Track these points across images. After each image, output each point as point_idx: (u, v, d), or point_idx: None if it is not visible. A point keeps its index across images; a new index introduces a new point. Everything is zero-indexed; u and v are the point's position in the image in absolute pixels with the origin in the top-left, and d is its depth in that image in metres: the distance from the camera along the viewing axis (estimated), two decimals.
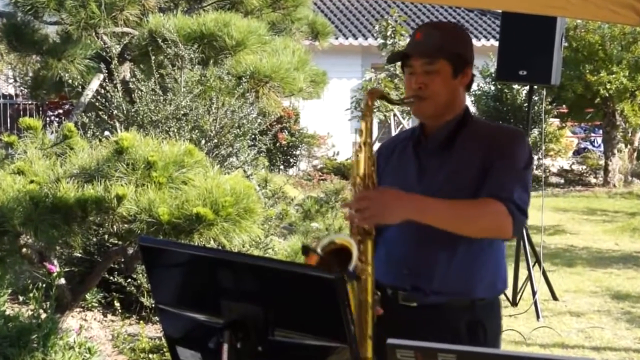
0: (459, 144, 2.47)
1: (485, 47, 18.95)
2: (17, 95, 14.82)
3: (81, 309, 5.57)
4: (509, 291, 6.72)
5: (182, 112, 5.74)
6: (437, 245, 2.40)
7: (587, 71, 14.26)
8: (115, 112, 5.78)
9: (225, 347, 1.69)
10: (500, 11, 8.31)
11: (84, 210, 3.86)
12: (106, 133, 5.78)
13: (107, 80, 6.06)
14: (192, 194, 3.85)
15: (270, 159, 14.47)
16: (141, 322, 5.35)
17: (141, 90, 5.74)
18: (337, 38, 17.71)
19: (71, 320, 5.08)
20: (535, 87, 7.76)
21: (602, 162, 16.31)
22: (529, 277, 6.47)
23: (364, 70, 17.43)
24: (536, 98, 14.25)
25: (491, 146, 2.41)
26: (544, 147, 15.04)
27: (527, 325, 6.11)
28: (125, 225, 3.95)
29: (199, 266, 1.84)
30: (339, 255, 2.22)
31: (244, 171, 6.31)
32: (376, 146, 2.65)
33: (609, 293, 7.18)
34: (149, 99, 5.70)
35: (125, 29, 6.73)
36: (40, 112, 12.78)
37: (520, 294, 6.67)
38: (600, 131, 17.20)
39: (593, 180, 16.37)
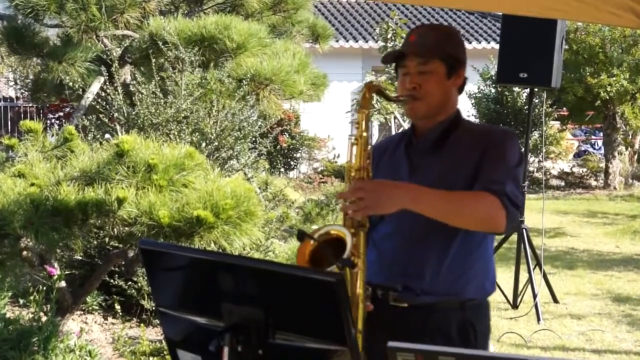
0: (451, 144, 2.49)
1: (486, 49, 18.97)
2: (17, 98, 14.85)
3: (82, 312, 5.56)
4: (510, 294, 6.73)
5: (182, 115, 5.74)
6: (428, 245, 2.43)
7: (588, 74, 14.27)
8: (115, 115, 5.78)
9: (226, 350, 1.69)
10: (500, 14, 8.32)
11: (85, 213, 3.86)
12: (107, 136, 5.78)
13: (107, 83, 6.06)
14: (193, 197, 3.85)
15: (270, 161, 14.48)
16: (142, 325, 5.35)
17: (142, 93, 5.74)
18: (337, 41, 17.74)
19: (72, 323, 5.07)
20: (536, 89, 7.76)
21: (602, 164, 16.31)
22: (530, 280, 6.46)
23: (364, 73, 17.44)
24: (536, 101, 14.26)
25: (483, 146, 2.43)
26: (544, 150, 15.05)
27: (527, 328, 6.11)
28: (126, 228, 3.95)
29: (199, 269, 1.84)
30: (334, 245, 2.22)
31: (245, 174, 6.31)
32: None
33: (609, 296, 7.17)
34: (149, 102, 5.70)
35: (126, 32, 6.73)
36: (41, 115, 12.79)
37: (520, 296, 6.67)
38: (601, 134, 17.20)
39: (594, 183, 16.38)
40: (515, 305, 6.67)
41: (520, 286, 6.67)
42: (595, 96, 14.34)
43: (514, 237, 6.71)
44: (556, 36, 6.29)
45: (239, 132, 6.01)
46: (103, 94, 5.98)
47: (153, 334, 5.28)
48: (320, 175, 16.46)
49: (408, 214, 2.29)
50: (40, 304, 4.30)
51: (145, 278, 5.10)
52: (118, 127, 5.62)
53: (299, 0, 7.92)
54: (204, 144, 5.75)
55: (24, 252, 4.14)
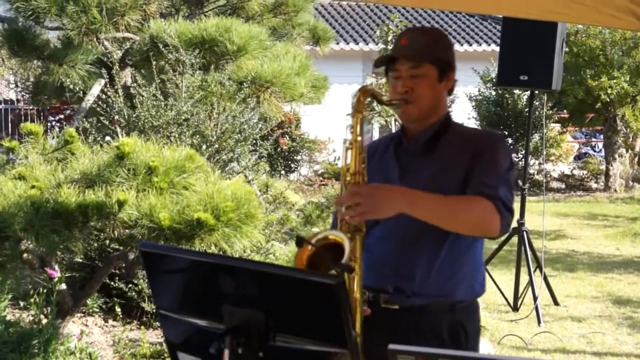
0: (441, 147, 2.51)
1: (486, 52, 18.99)
2: (18, 101, 14.86)
3: (82, 315, 5.56)
4: (510, 296, 6.73)
5: (183, 118, 5.74)
6: (419, 248, 2.45)
7: (588, 76, 14.28)
8: (116, 117, 5.78)
9: (227, 352, 1.69)
10: (501, 16, 8.32)
11: (85, 215, 3.86)
12: (107, 138, 5.78)
13: (108, 86, 6.06)
14: (193, 200, 3.85)
15: (271, 164, 14.48)
16: (142, 327, 5.35)
17: (142, 96, 5.74)
18: (338, 43, 17.75)
19: (72, 326, 5.07)
20: (536, 92, 7.77)
21: (603, 167, 16.32)
22: (530, 282, 6.46)
23: (365, 76, 17.46)
24: (537, 103, 14.26)
25: (474, 150, 2.45)
26: (544, 152, 15.05)
27: (528, 331, 6.10)
28: (126, 231, 3.95)
29: (200, 271, 1.84)
30: (332, 250, 2.23)
31: (245, 176, 6.32)
32: None
33: (610, 298, 7.17)
34: (150, 104, 5.70)
35: (127, 35, 6.74)
36: (42, 118, 12.82)
37: (521, 299, 6.67)
38: (601, 136, 17.20)
39: (594, 185, 16.38)
40: (515, 308, 6.67)
41: (521, 288, 6.66)
42: (596, 99, 14.35)
43: (515, 239, 6.71)
44: (556, 39, 6.30)
45: (239, 135, 6.01)
46: (104, 96, 5.98)
47: (153, 337, 5.28)
48: (321, 178, 16.47)
49: (401, 218, 2.30)
50: (40, 306, 4.30)
51: (146, 280, 5.10)
52: (118, 130, 5.62)
53: (299, 3, 7.93)
54: (204, 147, 5.75)
55: (25, 255, 4.14)
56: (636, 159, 16.28)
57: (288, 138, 16.18)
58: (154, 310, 5.04)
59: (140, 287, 5.40)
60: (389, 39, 15.09)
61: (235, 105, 6.08)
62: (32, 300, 4.38)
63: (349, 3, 21.87)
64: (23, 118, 13.71)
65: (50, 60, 6.73)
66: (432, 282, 2.45)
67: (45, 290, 4.29)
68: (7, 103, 15.24)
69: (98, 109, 5.97)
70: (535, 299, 6.40)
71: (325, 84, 7.87)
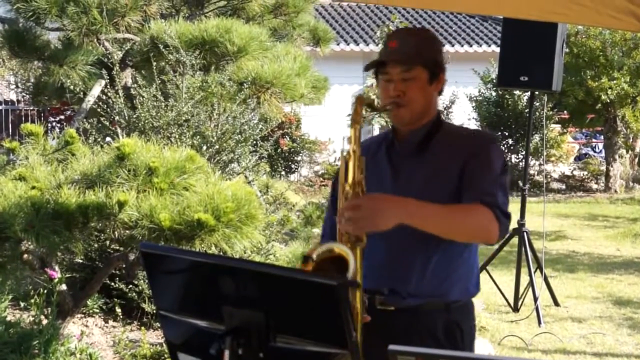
0: (433, 148, 2.51)
1: (487, 52, 18.99)
2: (18, 101, 14.86)
3: (82, 315, 5.56)
4: (511, 297, 6.73)
5: (183, 118, 5.75)
6: (413, 251, 2.45)
7: (588, 77, 14.28)
8: (116, 118, 5.78)
9: (227, 353, 1.69)
10: (501, 17, 8.32)
11: (86, 216, 3.86)
12: (108, 139, 5.78)
13: (108, 87, 6.06)
14: (194, 200, 3.85)
15: (271, 164, 14.48)
16: (142, 328, 5.34)
17: (143, 97, 5.74)
18: (338, 44, 17.75)
19: (72, 326, 5.07)
20: (537, 93, 7.76)
21: (603, 167, 16.32)
22: (531, 283, 6.46)
23: (365, 76, 17.45)
24: (537, 104, 14.25)
25: (467, 153, 2.45)
26: (545, 153, 15.05)
27: (528, 331, 6.10)
28: (127, 231, 3.95)
29: (200, 272, 1.84)
30: (335, 263, 2.23)
31: (246, 177, 6.32)
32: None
33: (610, 299, 7.17)
34: (150, 105, 5.71)
35: (127, 35, 6.74)
36: (42, 118, 12.82)
37: (521, 299, 6.67)
38: (602, 137, 17.20)
39: (594, 186, 16.38)
40: (516, 309, 6.67)
41: (521, 289, 6.66)
42: (596, 99, 14.34)
43: (515, 240, 6.70)
44: (557, 39, 6.30)
45: (239, 135, 6.01)
46: (104, 97, 5.98)
47: (154, 337, 5.28)
48: (321, 179, 16.46)
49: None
50: (40, 307, 4.30)
51: (146, 281, 5.10)
52: (119, 130, 5.62)
53: (299, 4, 7.93)
54: (204, 147, 5.76)
55: (25, 255, 4.14)
56: (636, 159, 16.27)
57: (288, 139, 16.18)
58: (155, 311, 5.04)
59: (140, 287, 5.40)
60: None
61: (236, 106, 6.08)
62: (32, 300, 4.38)
63: (349, 4, 21.87)
64: (23, 119, 13.71)
65: (50, 61, 6.74)
66: (427, 283, 2.47)
67: (45, 291, 4.29)
68: (8, 104, 15.24)
69: (98, 110, 5.97)
70: (535, 299, 6.40)
71: (325, 84, 7.88)
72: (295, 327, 1.70)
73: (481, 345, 5.46)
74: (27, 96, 10.22)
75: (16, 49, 6.80)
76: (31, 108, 13.67)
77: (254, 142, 6.28)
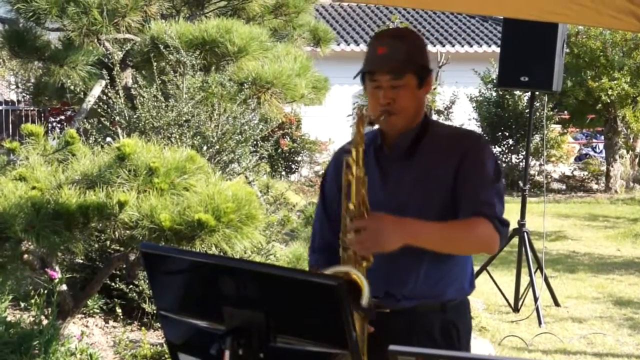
0: (422, 150, 2.50)
1: (487, 53, 18.99)
2: (19, 102, 14.85)
3: (83, 315, 5.56)
4: (511, 297, 6.73)
5: (184, 119, 5.75)
6: (407, 251, 2.42)
7: (589, 77, 14.27)
8: (117, 118, 5.78)
9: (227, 353, 1.69)
10: (501, 17, 8.32)
11: (86, 216, 3.86)
12: (108, 139, 5.78)
13: (109, 87, 6.06)
14: (194, 201, 3.85)
15: (272, 165, 14.48)
16: (143, 328, 5.34)
17: (143, 97, 5.74)
18: (338, 44, 17.74)
19: (73, 327, 5.07)
20: (537, 93, 7.76)
21: (603, 168, 16.31)
22: (531, 283, 6.46)
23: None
24: (538, 104, 14.25)
25: (458, 157, 2.44)
26: (545, 153, 15.05)
27: (528, 332, 6.10)
28: (127, 232, 3.95)
29: (200, 272, 1.84)
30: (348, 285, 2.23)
31: (246, 177, 6.32)
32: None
33: (611, 299, 7.17)
34: (150, 105, 5.71)
35: (127, 36, 6.74)
36: (42, 119, 12.82)
37: (522, 299, 6.67)
38: (602, 137, 17.19)
39: (595, 186, 16.37)
40: (516, 309, 6.67)
41: (522, 289, 6.66)
42: (597, 100, 14.34)
43: (515, 240, 6.70)
44: (557, 40, 6.30)
45: (240, 136, 6.01)
46: (104, 97, 5.99)
47: (154, 338, 5.28)
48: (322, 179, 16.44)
49: None
50: (41, 307, 4.30)
51: (147, 281, 5.10)
52: (119, 131, 5.62)
53: (300, 4, 7.93)
54: (205, 148, 5.76)
55: (25, 256, 4.14)
56: (637, 160, 16.27)
57: (289, 139, 16.17)
58: (155, 311, 5.04)
59: (141, 288, 5.40)
60: None
61: (236, 106, 6.08)
62: (32, 301, 4.37)
63: (349, 4, 21.87)
64: (24, 119, 13.71)
65: (51, 62, 6.74)
66: (421, 285, 2.48)
67: (45, 291, 4.29)
68: (8, 104, 15.23)
69: (99, 110, 5.98)
70: (535, 299, 6.40)
71: (326, 85, 7.88)
72: (296, 328, 1.70)
73: (481, 346, 5.46)
74: (28, 96, 10.24)
75: (16, 49, 6.80)
76: (31, 108, 13.67)
77: (255, 142, 6.28)
